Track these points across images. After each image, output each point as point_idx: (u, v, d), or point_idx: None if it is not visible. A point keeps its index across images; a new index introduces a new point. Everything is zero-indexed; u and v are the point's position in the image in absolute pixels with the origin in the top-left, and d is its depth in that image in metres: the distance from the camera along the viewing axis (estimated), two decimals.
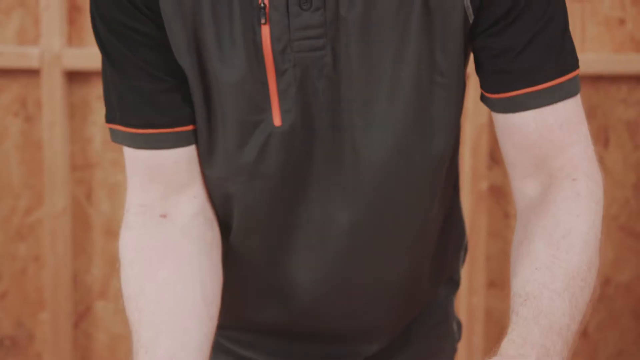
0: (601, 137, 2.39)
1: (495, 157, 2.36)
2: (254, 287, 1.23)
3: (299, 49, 1.06)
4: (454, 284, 1.34)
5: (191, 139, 1.13)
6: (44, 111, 2.25)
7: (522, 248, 1.07)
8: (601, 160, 2.40)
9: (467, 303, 2.35)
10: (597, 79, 2.38)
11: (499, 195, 2.38)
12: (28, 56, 2.25)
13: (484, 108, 2.26)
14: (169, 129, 1.12)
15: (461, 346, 2.36)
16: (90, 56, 2.22)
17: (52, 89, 2.24)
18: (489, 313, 2.41)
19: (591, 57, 2.34)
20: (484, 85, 1.11)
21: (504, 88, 1.08)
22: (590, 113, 2.39)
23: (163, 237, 1.14)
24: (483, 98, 1.13)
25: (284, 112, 1.09)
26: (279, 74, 1.07)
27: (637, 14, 2.35)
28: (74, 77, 2.28)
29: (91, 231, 2.34)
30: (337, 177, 1.12)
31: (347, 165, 1.12)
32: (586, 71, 2.36)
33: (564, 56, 1.08)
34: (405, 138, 1.10)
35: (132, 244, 1.16)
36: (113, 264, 2.35)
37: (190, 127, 1.13)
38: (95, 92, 2.29)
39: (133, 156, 1.14)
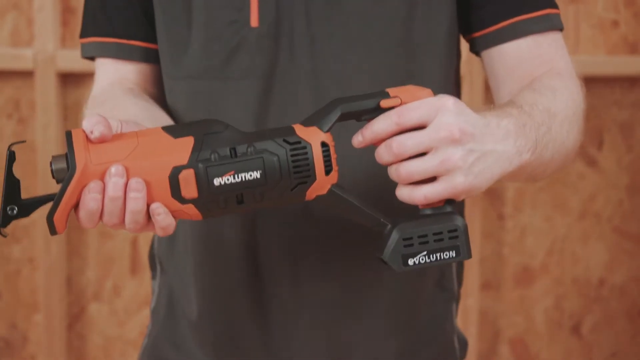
0: (595, 139, 2.40)
1: None
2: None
3: None
4: (449, 292, 1.32)
5: (152, 57, 1.23)
6: (37, 113, 2.25)
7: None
8: (595, 162, 2.40)
9: (462, 305, 2.35)
10: (591, 81, 2.37)
11: (493, 196, 2.38)
12: (22, 58, 2.24)
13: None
14: (137, 42, 1.23)
15: None
16: None
17: (46, 90, 2.24)
18: (483, 315, 2.41)
19: (585, 59, 2.34)
20: (479, 24, 1.18)
21: (502, 17, 1.17)
22: (584, 115, 2.39)
23: (124, 86, 1.23)
24: (476, 42, 1.19)
25: (262, 14, 1.13)
26: None
27: (631, 15, 2.36)
28: (67, 78, 2.28)
29: (85, 233, 2.33)
30: (305, 87, 1.14)
31: (319, 75, 1.14)
32: (580, 73, 2.36)
33: None
34: (383, 60, 1.14)
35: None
36: (107, 266, 2.34)
37: (155, 46, 1.23)
38: (89, 94, 2.28)
39: (101, 64, 1.27)
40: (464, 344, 1.36)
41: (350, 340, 1.23)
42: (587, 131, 2.40)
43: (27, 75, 2.26)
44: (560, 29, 1.21)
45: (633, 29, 2.36)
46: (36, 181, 2.26)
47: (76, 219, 0.94)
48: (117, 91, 1.21)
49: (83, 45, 1.28)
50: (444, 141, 0.92)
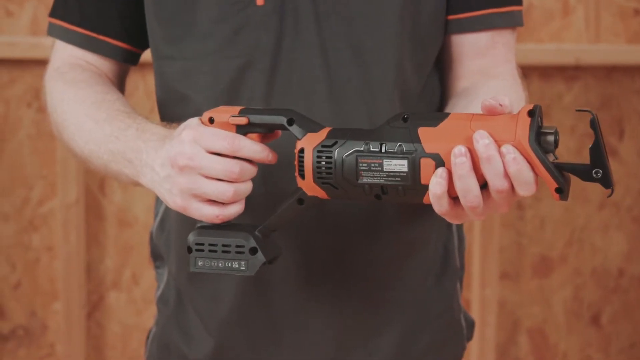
0: (615, 128, 2.38)
1: None
2: None
3: None
4: (454, 269, 1.32)
5: (119, 55, 1.26)
6: None
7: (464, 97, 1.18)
8: (615, 151, 2.39)
9: (480, 295, 2.35)
10: (612, 70, 2.37)
11: None
12: (41, 47, 2.25)
13: None
14: (105, 37, 1.25)
15: (473, 337, 2.36)
16: None
17: None
18: (502, 304, 2.41)
19: (605, 48, 2.33)
20: (457, 9, 1.20)
21: (476, 7, 1.20)
22: (605, 104, 2.38)
23: (87, 71, 1.27)
24: (452, 24, 1.21)
25: None
26: None
27: None
28: None
29: (104, 221, 2.34)
30: (313, 63, 1.15)
31: (326, 52, 1.15)
32: (600, 62, 2.35)
33: None
34: (387, 35, 1.15)
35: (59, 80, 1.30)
36: (126, 254, 2.35)
37: (125, 45, 1.26)
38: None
39: (63, 48, 1.29)
40: (470, 324, 1.36)
41: (356, 317, 1.23)
42: (608, 121, 2.38)
43: (46, 64, 2.27)
44: (521, 25, 1.25)
45: None
46: (55, 170, 2.27)
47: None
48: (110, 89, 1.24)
49: (51, 25, 1.29)
50: None
